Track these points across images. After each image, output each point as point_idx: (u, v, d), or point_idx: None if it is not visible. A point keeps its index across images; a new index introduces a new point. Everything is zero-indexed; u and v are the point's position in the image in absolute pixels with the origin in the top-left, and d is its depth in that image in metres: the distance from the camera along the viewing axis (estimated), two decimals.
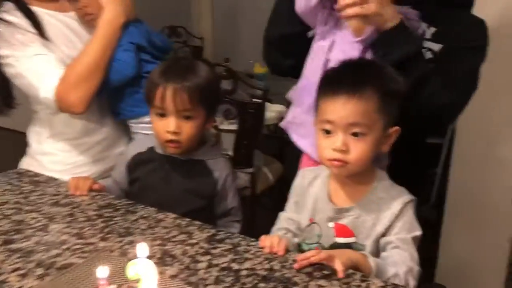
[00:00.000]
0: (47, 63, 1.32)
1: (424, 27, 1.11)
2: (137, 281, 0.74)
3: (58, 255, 0.93)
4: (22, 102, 1.45)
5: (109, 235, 1.01)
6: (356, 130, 0.92)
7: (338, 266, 0.83)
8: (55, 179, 1.30)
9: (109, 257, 0.92)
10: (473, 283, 1.92)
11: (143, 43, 1.43)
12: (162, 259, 0.92)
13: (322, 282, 0.84)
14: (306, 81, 1.15)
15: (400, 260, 0.90)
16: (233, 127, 2.03)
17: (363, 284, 0.84)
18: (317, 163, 1.08)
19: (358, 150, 0.92)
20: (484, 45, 1.11)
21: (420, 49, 1.05)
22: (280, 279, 0.85)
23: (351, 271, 0.87)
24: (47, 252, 0.94)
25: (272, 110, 2.54)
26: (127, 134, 1.53)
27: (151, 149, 1.30)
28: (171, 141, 1.19)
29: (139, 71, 1.41)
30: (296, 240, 1.05)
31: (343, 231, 0.98)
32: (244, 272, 0.88)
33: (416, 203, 0.99)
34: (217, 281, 0.85)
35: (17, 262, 0.90)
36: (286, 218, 1.09)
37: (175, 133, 1.18)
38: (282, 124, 1.23)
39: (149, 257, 0.76)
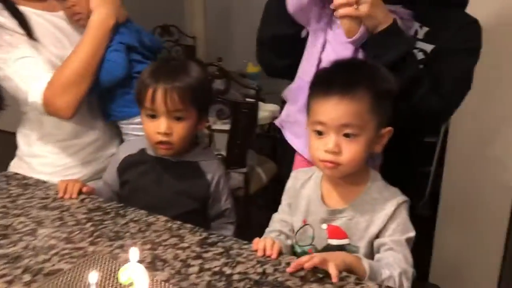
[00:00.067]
0: (35, 66, 1.30)
1: (417, 26, 1.10)
2: (130, 285, 0.73)
3: (46, 260, 0.91)
4: (10, 103, 1.42)
5: (99, 239, 0.99)
6: (348, 131, 0.91)
7: (332, 270, 0.82)
8: (44, 182, 1.28)
9: (99, 262, 0.90)
10: (466, 282, 1.92)
11: (134, 43, 1.41)
12: (153, 264, 0.90)
13: (315, 285, 0.83)
14: (300, 81, 1.14)
15: (394, 262, 0.89)
16: (226, 127, 2.01)
17: (357, 287, 0.83)
18: (310, 162, 1.06)
19: (350, 151, 0.91)
20: (477, 47, 1.10)
21: (411, 50, 1.04)
22: (273, 284, 0.84)
23: (345, 274, 0.85)
24: (34, 257, 0.92)
25: (265, 110, 2.53)
26: (118, 135, 1.51)
27: (142, 151, 1.28)
28: (162, 142, 1.18)
29: (129, 72, 1.39)
30: (289, 242, 1.04)
31: (336, 232, 0.97)
32: (236, 277, 0.86)
33: (410, 204, 0.98)
34: (209, 286, 0.84)
35: (3, 268, 0.88)
36: (279, 220, 1.08)
37: (166, 134, 1.16)
38: (276, 122, 1.22)
39: (140, 262, 0.74)
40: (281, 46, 1.19)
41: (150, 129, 1.18)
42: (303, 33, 1.13)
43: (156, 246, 0.96)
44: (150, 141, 1.21)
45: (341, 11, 0.97)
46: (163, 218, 1.08)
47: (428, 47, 1.09)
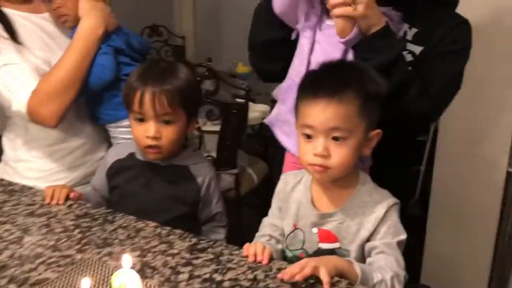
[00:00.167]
0: (20, 73, 1.27)
1: (406, 28, 1.10)
2: None
3: (32, 269, 0.89)
4: None
5: (87, 247, 0.97)
6: (337, 134, 0.90)
7: (324, 276, 0.81)
8: (30, 188, 1.25)
9: (86, 270, 0.89)
10: (458, 282, 1.93)
11: (122, 46, 1.39)
12: (142, 271, 0.88)
13: None
14: (290, 81, 1.13)
15: (386, 265, 0.89)
16: (216, 128, 2.00)
17: None
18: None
19: (339, 155, 0.90)
20: (466, 47, 1.10)
21: (402, 54, 1.03)
22: None
23: (336, 279, 0.85)
24: (20, 267, 0.90)
25: (255, 110, 2.52)
26: (106, 139, 1.49)
27: (131, 155, 1.26)
28: (151, 146, 1.16)
29: (117, 74, 1.37)
30: (280, 246, 1.03)
31: (327, 236, 0.96)
32: (227, 283, 0.85)
33: (400, 206, 0.98)
34: None
35: None
36: (269, 224, 1.07)
37: (155, 138, 1.15)
38: (266, 120, 1.21)
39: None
40: (272, 50, 1.19)
41: (139, 133, 1.17)
42: (293, 36, 1.12)
43: (145, 253, 0.95)
44: (138, 145, 1.20)
45: (337, 11, 0.97)
46: (152, 224, 1.06)
47: (417, 49, 1.08)
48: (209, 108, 1.90)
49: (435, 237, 1.95)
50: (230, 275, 0.88)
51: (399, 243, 0.92)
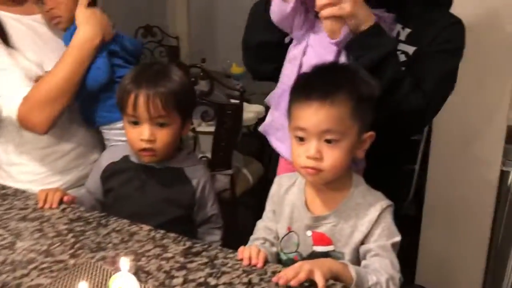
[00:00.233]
0: (11, 79, 1.26)
1: (399, 28, 1.09)
2: None
3: (24, 275, 0.88)
4: None
5: (80, 251, 0.96)
6: (329, 137, 0.89)
7: (319, 280, 0.81)
8: (23, 192, 1.25)
9: (80, 275, 0.88)
10: (452, 282, 1.94)
11: (116, 48, 1.38)
12: (136, 276, 0.87)
13: None
14: (282, 86, 1.13)
15: (381, 268, 0.89)
16: (211, 129, 2.00)
17: None
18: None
19: (332, 157, 0.90)
20: (459, 47, 1.10)
21: (394, 52, 1.03)
22: None
23: (331, 281, 0.84)
24: (12, 272, 0.89)
25: (250, 111, 2.51)
26: (100, 141, 1.48)
27: (125, 158, 1.25)
28: (145, 149, 1.15)
29: (111, 77, 1.36)
30: (274, 249, 1.02)
31: (321, 239, 0.96)
32: None
33: (394, 207, 0.98)
34: None
35: None
36: (263, 227, 1.06)
37: (149, 141, 1.14)
38: (261, 128, 1.21)
39: None
40: (267, 52, 1.19)
41: (133, 136, 1.16)
42: (287, 39, 1.12)
43: (139, 257, 0.94)
44: (133, 148, 1.19)
45: (325, 12, 0.97)
46: (146, 227, 1.06)
47: (410, 49, 1.08)
48: (203, 109, 1.90)
49: (430, 237, 1.95)
50: (224, 279, 0.87)
51: (393, 245, 0.92)
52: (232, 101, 2.00)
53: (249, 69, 1.31)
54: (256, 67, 1.28)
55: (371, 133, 0.95)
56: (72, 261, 0.93)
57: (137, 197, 1.22)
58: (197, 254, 0.95)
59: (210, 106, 1.89)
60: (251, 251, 0.92)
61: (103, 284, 0.85)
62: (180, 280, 0.87)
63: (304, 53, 1.07)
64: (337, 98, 0.89)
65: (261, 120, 2.57)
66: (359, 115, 0.91)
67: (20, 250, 0.97)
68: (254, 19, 1.21)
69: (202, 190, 1.25)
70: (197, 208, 1.26)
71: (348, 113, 0.89)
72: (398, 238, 0.93)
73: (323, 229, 0.96)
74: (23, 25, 1.37)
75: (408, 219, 1.77)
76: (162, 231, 1.04)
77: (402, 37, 1.10)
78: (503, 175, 1.76)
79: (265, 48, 1.18)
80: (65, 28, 1.40)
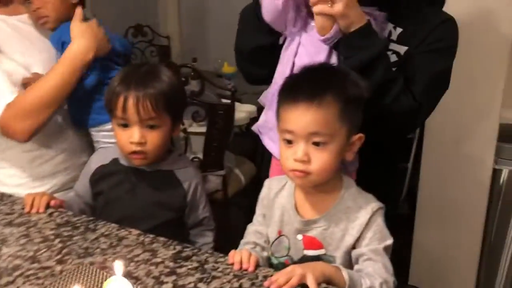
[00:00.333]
0: None
1: (391, 28, 1.08)
2: None
3: (9, 283, 0.86)
4: None
5: (67, 257, 0.94)
6: (317, 139, 0.88)
7: (311, 284, 0.79)
8: (10, 196, 1.22)
9: (66, 282, 0.86)
10: (445, 282, 1.94)
11: None
12: None
13: None
14: (275, 86, 1.11)
15: (374, 272, 0.87)
16: (202, 129, 1.98)
17: None
18: None
19: (320, 160, 0.88)
20: (452, 46, 1.09)
21: (384, 53, 1.01)
22: None
23: (324, 285, 0.83)
24: None
25: (242, 110, 2.49)
26: (89, 143, 1.46)
27: (115, 161, 1.23)
28: (136, 152, 1.13)
29: (100, 78, 1.34)
30: (265, 254, 1.01)
31: (311, 243, 0.94)
32: None
33: (387, 208, 0.96)
34: None
35: None
36: (254, 231, 1.05)
37: (139, 143, 1.12)
38: (254, 128, 1.19)
39: None
40: (260, 56, 1.17)
41: (123, 138, 1.14)
42: (281, 40, 1.11)
43: (128, 262, 0.92)
44: (123, 152, 1.17)
45: (317, 8, 0.96)
46: (135, 231, 1.04)
47: (402, 49, 1.07)
48: (194, 109, 1.88)
49: (423, 236, 1.95)
50: (215, 284, 0.85)
51: (385, 249, 0.90)
52: (224, 101, 1.99)
53: (243, 73, 1.30)
54: (249, 71, 1.26)
55: (360, 135, 0.93)
56: (59, 268, 0.90)
57: (128, 200, 1.20)
58: (187, 258, 0.93)
59: (201, 106, 1.87)
60: (242, 255, 0.91)
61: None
62: (170, 285, 0.85)
63: (296, 52, 1.05)
64: (324, 100, 0.87)
65: (253, 119, 2.57)
66: (347, 117, 0.89)
67: (5, 257, 0.94)
68: (245, 23, 1.20)
69: (193, 192, 1.23)
70: (189, 211, 1.25)
71: (336, 115, 0.88)
72: (390, 241, 0.92)
73: (314, 233, 0.94)
74: (9, 26, 1.34)
75: (401, 218, 1.77)
76: (151, 236, 1.02)
77: (394, 36, 1.09)
78: (496, 173, 1.76)
79: (259, 52, 1.16)
80: (52, 28, 1.38)
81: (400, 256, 1.01)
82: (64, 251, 0.96)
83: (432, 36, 1.06)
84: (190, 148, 2.04)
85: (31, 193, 1.17)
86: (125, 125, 1.13)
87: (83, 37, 1.27)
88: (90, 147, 1.45)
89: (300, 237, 0.95)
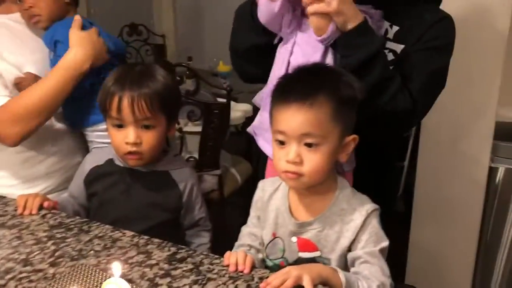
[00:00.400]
0: None
1: (387, 26, 1.07)
2: None
3: (1, 286, 0.84)
4: None
5: (60, 259, 0.93)
6: (309, 140, 0.86)
7: (308, 285, 0.79)
8: (3, 197, 1.20)
9: (59, 285, 0.85)
10: (442, 280, 1.94)
11: None
12: None
13: None
14: (271, 86, 1.10)
15: (371, 274, 0.86)
16: (198, 128, 1.96)
17: None
18: None
19: (312, 161, 0.86)
20: (448, 43, 1.08)
21: (381, 51, 1.00)
22: None
23: (320, 287, 0.82)
24: None
25: (237, 109, 2.49)
26: (83, 143, 1.44)
27: (110, 162, 1.22)
28: (131, 153, 1.12)
29: (93, 78, 1.32)
30: (260, 256, 1.00)
31: (306, 245, 0.93)
32: None
33: (386, 206, 0.95)
34: None
35: None
36: (248, 234, 1.04)
37: (135, 144, 1.11)
38: (249, 129, 1.18)
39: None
40: (255, 55, 1.16)
41: (118, 139, 1.13)
42: (276, 40, 1.10)
43: (122, 264, 0.91)
44: (118, 153, 1.16)
45: (311, 8, 0.95)
46: (129, 233, 1.02)
47: (398, 47, 1.06)
48: (190, 109, 1.87)
49: (420, 235, 1.95)
50: (210, 286, 0.84)
51: (381, 251, 0.89)
52: (219, 100, 1.97)
53: (238, 72, 1.29)
54: (245, 70, 1.25)
55: (354, 136, 0.91)
56: (51, 270, 0.89)
57: (123, 201, 1.19)
58: (182, 260, 0.92)
59: (196, 105, 1.86)
60: (238, 257, 0.89)
61: None
62: None
63: (291, 52, 1.04)
64: (317, 101, 0.85)
65: (249, 119, 2.56)
66: (340, 118, 0.87)
67: None
68: (240, 22, 1.18)
69: (189, 193, 1.22)
70: (184, 212, 1.24)
71: (329, 116, 0.86)
72: (386, 243, 0.90)
73: (308, 235, 0.93)
74: (1, 26, 1.32)
75: (397, 216, 1.76)
76: (146, 237, 1.01)
77: (390, 35, 1.08)
78: (492, 171, 1.75)
79: (253, 51, 1.15)
80: (45, 27, 1.36)
81: (396, 255, 0.99)
82: (57, 253, 0.95)
83: (429, 34, 1.05)
84: (185, 147, 2.02)
85: (24, 194, 1.16)
86: (120, 126, 1.12)
87: (81, 46, 1.25)
88: (84, 148, 1.44)
89: (294, 239, 0.94)
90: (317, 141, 0.86)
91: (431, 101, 1.10)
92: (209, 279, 0.86)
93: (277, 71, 1.06)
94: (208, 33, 4.22)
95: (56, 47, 1.33)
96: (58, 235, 1.02)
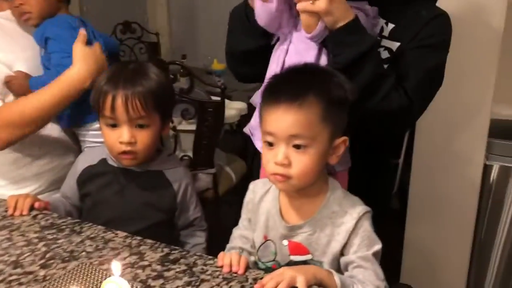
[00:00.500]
0: None
1: (382, 23, 1.06)
2: None
3: None
4: None
5: (51, 261, 0.91)
6: (298, 142, 0.84)
7: (302, 287, 0.77)
8: None
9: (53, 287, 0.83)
10: (437, 277, 1.94)
11: None
12: None
13: None
14: None
15: (365, 279, 0.85)
16: (192, 127, 1.95)
17: None
18: None
19: (300, 163, 0.85)
20: (444, 40, 1.07)
21: (374, 49, 0.99)
22: None
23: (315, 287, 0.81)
24: None
25: (232, 108, 2.47)
26: (75, 143, 1.43)
27: (103, 161, 1.21)
28: (125, 152, 1.11)
29: None
30: (252, 258, 0.98)
31: (297, 249, 0.92)
32: None
33: (377, 205, 0.94)
34: None
35: None
36: (239, 236, 1.02)
37: (129, 143, 1.10)
38: (246, 129, 1.17)
39: None
40: (251, 57, 1.15)
41: (112, 138, 1.11)
42: (273, 41, 1.09)
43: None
44: (112, 152, 1.14)
45: (300, 6, 0.94)
46: (122, 234, 1.01)
47: (394, 45, 1.05)
48: (184, 107, 1.85)
49: (415, 233, 1.95)
50: (204, 287, 0.83)
51: (375, 254, 0.88)
52: (213, 98, 1.96)
53: (234, 73, 1.27)
54: (240, 71, 1.24)
55: (344, 138, 0.89)
56: (42, 273, 0.88)
57: (116, 201, 1.18)
58: (175, 261, 0.91)
59: (190, 103, 1.84)
60: (232, 258, 0.88)
61: None
62: None
63: (287, 51, 1.03)
64: (306, 101, 0.84)
65: (244, 117, 2.55)
66: (330, 119, 0.85)
67: None
68: (235, 24, 1.17)
69: (183, 193, 1.21)
70: (179, 212, 1.23)
71: (318, 117, 0.84)
72: (378, 246, 0.89)
73: (299, 238, 0.92)
74: None
75: (392, 213, 1.76)
76: (138, 238, 0.99)
77: (386, 32, 1.07)
78: (486, 169, 1.75)
79: (250, 53, 1.14)
80: (35, 25, 1.35)
81: (391, 254, 0.98)
82: (48, 255, 0.93)
83: (425, 31, 1.04)
84: (179, 146, 2.01)
85: (15, 195, 1.14)
86: (114, 125, 1.11)
87: (85, 62, 1.23)
88: (76, 147, 1.42)
89: (285, 242, 0.93)
90: (306, 143, 0.84)
91: (428, 100, 1.09)
92: (203, 281, 0.85)
93: (273, 70, 1.05)
94: (203, 31, 4.20)
95: (47, 44, 1.31)
96: (50, 236, 1.00)
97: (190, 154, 1.94)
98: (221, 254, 0.91)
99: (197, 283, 0.84)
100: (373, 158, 1.14)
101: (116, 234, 1.01)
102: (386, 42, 1.05)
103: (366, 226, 0.88)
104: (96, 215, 1.17)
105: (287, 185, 0.87)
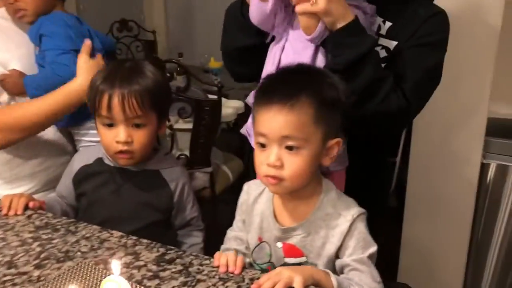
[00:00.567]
0: None
1: (380, 21, 1.05)
2: None
3: None
4: None
5: (46, 261, 0.90)
6: (290, 143, 0.83)
7: (299, 287, 0.77)
8: None
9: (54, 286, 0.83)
10: (434, 276, 1.94)
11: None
12: None
13: None
14: None
15: (361, 281, 0.85)
16: (189, 125, 1.94)
17: None
18: None
19: (293, 165, 0.83)
20: (442, 39, 1.06)
21: (372, 51, 0.98)
22: None
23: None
24: None
25: (228, 106, 2.46)
26: (70, 142, 1.42)
27: (99, 161, 1.20)
28: (122, 152, 1.10)
29: None
30: (247, 260, 0.97)
31: (292, 251, 0.91)
32: None
33: (374, 203, 0.94)
34: None
35: None
36: (234, 237, 1.02)
37: (126, 143, 1.09)
38: (243, 130, 1.16)
39: None
40: (248, 55, 1.14)
41: (108, 138, 1.10)
42: (269, 39, 1.08)
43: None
44: (108, 152, 1.14)
45: (299, 7, 0.93)
46: (117, 233, 1.00)
47: (391, 44, 1.04)
48: (181, 106, 1.85)
49: (412, 232, 1.94)
50: (200, 287, 0.82)
51: (370, 257, 0.87)
52: (210, 96, 1.95)
53: (230, 71, 1.27)
54: (236, 70, 1.24)
55: (337, 139, 0.88)
56: (36, 273, 0.87)
57: (113, 201, 1.17)
58: (171, 261, 0.90)
59: (187, 102, 1.84)
60: (228, 257, 0.88)
61: None
62: None
63: (283, 50, 1.02)
64: (298, 102, 0.82)
65: (240, 115, 2.54)
66: (323, 120, 0.84)
67: None
68: (231, 22, 1.16)
69: (180, 193, 1.20)
70: (176, 212, 1.22)
71: (311, 118, 0.83)
72: (374, 248, 0.88)
73: (293, 240, 0.91)
74: None
75: (390, 211, 1.75)
76: (134, 238, 0.98)
77: (383, 31, 1.06)
78: (484, 167, 1.75)
79: (245, 52, 1.13)
80: (30, 22, 1.33)
81: (389, 253, 0.98)
82: (43, 255, 0.92)
83: (423, 29, 1.03)
84: (176, 145, 2.00)
85: (9, 194, 1.13)
86: (110, 125, 1.10)
87: (88, 74, 1.22)
88: (71, 146, 1.41)
89: (280, 244, 0.92)
90: (298, 144, 0.83)
91: (426, 99, 1.09)
92: (199, 281, 0.84)
93: (269, 69, 1.04)
94: (199, 29, 4.19)
95: (41, 41, 1.30)
96: (44, 236, 0.99)
97: (187, 153, 1.93)
98: (217, 254, 0.90)
99: (193, 284, 0.83)
100: (370, 157, 1.14)
101: (112, 234, 1.00)
102: (383, 41, 1.05)
103: (361, 228, 0.87)
104: (92, 214, 1.16)
105: (280, 187, 0.86)
